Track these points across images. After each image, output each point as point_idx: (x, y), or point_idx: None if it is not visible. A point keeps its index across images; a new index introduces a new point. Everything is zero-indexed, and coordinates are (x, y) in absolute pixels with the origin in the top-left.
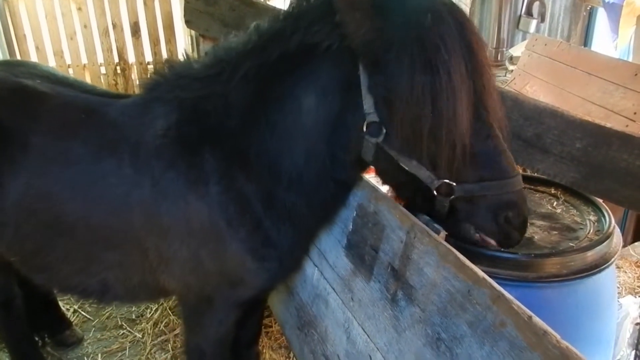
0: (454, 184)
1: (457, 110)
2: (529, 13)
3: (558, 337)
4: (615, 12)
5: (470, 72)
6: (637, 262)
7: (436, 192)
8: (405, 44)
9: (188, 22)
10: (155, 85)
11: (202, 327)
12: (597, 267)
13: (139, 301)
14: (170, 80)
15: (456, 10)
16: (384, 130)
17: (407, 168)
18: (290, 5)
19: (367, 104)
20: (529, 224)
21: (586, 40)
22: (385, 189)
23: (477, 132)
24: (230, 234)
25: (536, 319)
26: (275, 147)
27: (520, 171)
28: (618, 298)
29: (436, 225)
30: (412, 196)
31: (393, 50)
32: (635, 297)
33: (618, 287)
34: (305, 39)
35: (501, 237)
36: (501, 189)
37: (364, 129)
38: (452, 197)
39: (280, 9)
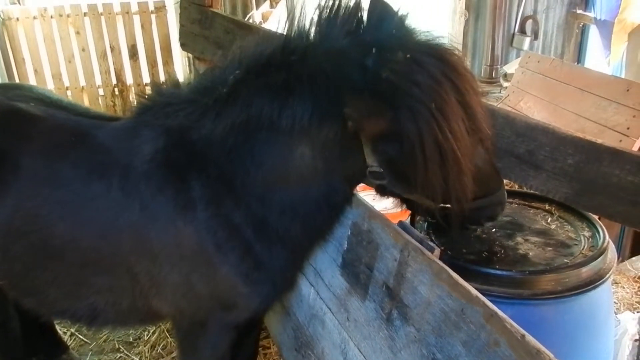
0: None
1: (462, 164)
2: (522, 31)
3: (551, 355)
4: (607, 29)
5: (466, 116)
6: (635, 277)
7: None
8: (413, 129)
9: (183, 45)
10: (144, 109)
11: (196, 350)
12: (592, 283)
13: (130, 325)
14: (158, 106)
15: (444, 61)
16: (386, 179)
17: (408, 198)
18: (280, 54)
19: (369, 157)
20: (523, 241)
21: (579, 57)
22: (379, 207)
23: (478, 161)
24: (220, 259)
25: (529, 338)
26: (262, 182)
27: (516, 187)
28: (616, 314)
29: (430, 243)
30: (411, 207)
31: (397, 125)
32: (634, 312)
33: (616, 303)
34: (297, 121)
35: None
36: (490, 202)
37: (367, 174)
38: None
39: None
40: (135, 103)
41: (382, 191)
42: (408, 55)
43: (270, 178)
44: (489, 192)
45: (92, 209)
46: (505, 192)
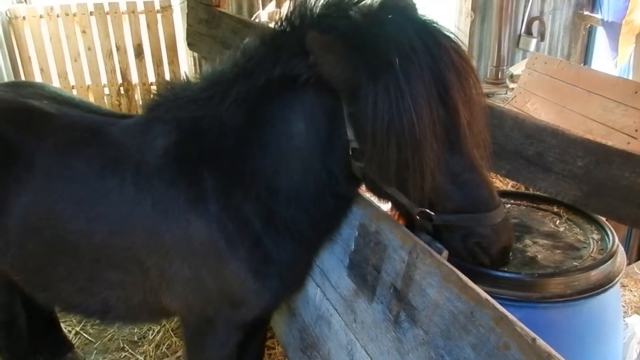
0: (432, 213)
1: (422, 152)
2: (529, 32)
3: None
4: (614, 31)
5: (444, 109)
6: None
7: (418, 216)
8: (372, 87)
9: (190, 45)
10: (156, 105)
11: (203, 348)
12: (601, 286)
13: (140, 322)
14: (169, 101)
15: (434, 44)
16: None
17: (388, 192)
18: (272, 31)
19: (349, 131)
20: (532, 243)
21: (586, 58)
22: (386, 207)
23: (453, 166)
24: (230, 253)
25: (540, 342)
26: (269, 166)
27: (524, 191)
28: (624, 317)
29: (438, 245)
30: (400, 212)
31: (361, 91)
32: None
33: (623, 306)
34: (286, 70)
35: (471, 259)
36: (478, 222)
37: (350, 153)
38: (433, 222)
39: (267, 27)
40: (144, 101)
41: (367, 182)
42: (390, 16)
43: (275, 161)
44: (475, 209)
45: (105, 205)
46: (502, 218)
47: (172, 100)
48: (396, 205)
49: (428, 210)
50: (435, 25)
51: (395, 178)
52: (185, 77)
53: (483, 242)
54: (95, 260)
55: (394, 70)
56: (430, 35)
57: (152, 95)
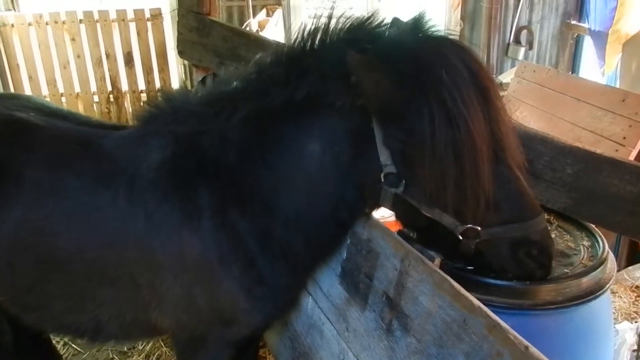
0: (479, 228)
1: (478, 161)
2: (517, 41)
3: None
4: (601, 40)
5: (487, 119)
6: (632, 286)
7: (461, 236)
8: (424, 100)
9: (181, 53)
10: (152, 117)
11: None
12: (592, 293)
13: (133, 339)
14: (166, 114)
15: (469, 57)
16: (403, 182)
17: (429, 215)
18: (293, 47)
19: (384, 156)
20: None
21: (574, 67)
22: (378, 215)
23: (499, 176)
24: (223, 271)
25: (533, 350)
26: (270, 186)
27: None
28: (614, 324)
29: (431, 252)
30: (434, 240)
31: (412, 107)
32: (632, 322)
33: (614, 313)
34: (312, 92)
35: (523, 273)
36: (526, 230)
37: (382, 180)
38: (478, 240)
39: (280, 44)
40: (138, 111)
41: (398, 210)
42: (419, 34)
43: (278, 182)
44: (522, 218)
45: (97, 219)
46: (544, 219)
47: (170, 113)
48: (433, 230)
49: (474, 227)
50: (459, 41)
51: (447, 195)
52: (181, 88)
53: (533, 250)
54: (87, 276)
55: (443, 83)
56: (463, 50)
57: (146, 107)
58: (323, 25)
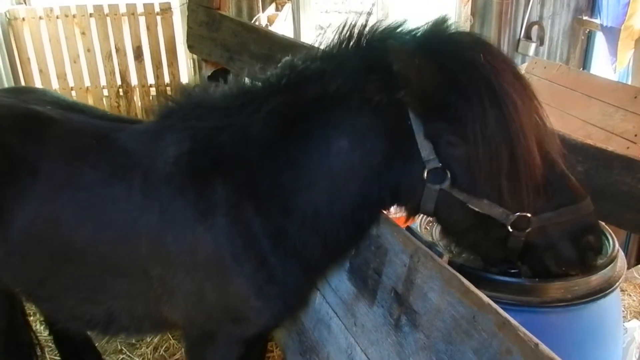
0: (530, 215)
1: (528, 141)
2: (528, 36)
3: None
4: (613, 36)
5: (527, 100)
6: None
7: (511, 227)
8: (470, 84)
9: (191, 47)
10: (170, 112)
11: None
12: (601, 291)
13: (144, 332)
14: (185, 109)
15: (497, 48)
16: (449, 175)
17: (477, 209)
18: (328, 46)
19: (425, 151)
20: None
21: (585, 63)
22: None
23: (544, 160)
24: (234, 269)
25: (543, 347)
26: (290, 184)
27: None
28: (623, 322)
29: (438, 249)
30: (479, 240)
31: (457, 92)
32: None
33: (623, 311)
34: (345, 86)
35: (581, 263)
36: (578, 212)
37: (424, 177)
38: (528, 230)
39: (313, 46)
40: (158, 105)
41: (442, 208)
42: (450, 30)
43: (298, 179)
44: (572, 200)
45: (112, 212)
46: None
47: (190, 108)
48: (478, 229)
49: (525, 214)
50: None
51: (501, 180)
52: (200, 84)
53: (592, 237)
54: (101, 269)
55: (484, 65)
56: (489, 43)
57: (164, 101)
58: (358, 28)
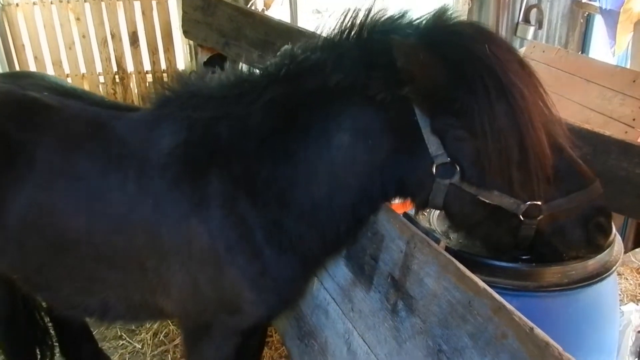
0: (540, 203)
1: (537, 129)
2: (527, 20)
3: (560, 349)
4: (612, 19)
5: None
6: (638, 268)
7: (523, 216)
8: (476, 76)
9: (186, 33)
10: (166, 101)
11: (200, 351)
12: (598, 275)
13: (140, 320)
14: (182, 98)
15: (500, 37)
16: (458, 169)
17: (488, 201)
18: (329, 36)
19: (433, 146)
20: None
21: (583, 46)
22: None
23: (552, 147)
24: (228, 261)
25: (538, 331)
26: (288, 176)
27: None
28: (620, 306)
29: (436, 234)
30: (490, 232)
31: (463, 85)
32: (637, 304)
33: (619, 295)
34: (347, 81)
35: (591, 244)
36: (588, 196)
37: (434, 172)
38: (539, 218)
39: (312, 33)
40: (151, 94)
41: (455, 203)
42: (451, 22)
43: (296, 172)
44: (582, 184)
45: (107, 203)
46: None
47: (186, 97)
48: (489, 220)
49: (536, 202)
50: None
51: (511, 170)
52: (197, 71)
53: (603, 218)
54: (95, 259)
55: (489, 56)
56: (491, 32)
57: (160, 89)
58: (359, 17)
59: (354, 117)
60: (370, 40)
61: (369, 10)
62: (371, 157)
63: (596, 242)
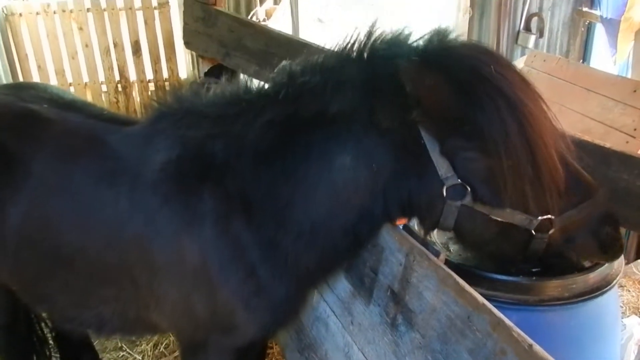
0: (552, 217)
1: (548, 145)
2: (528, 28)
3: None
4: (613, 28)
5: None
6: None
7: (535, 231)
8: (485, 97)
9: (187, 44)
10: (161, 116)
11: None
12: (599, 289)
13: (137, 334)
14: (176, 115)
15: (503, 57)
16: (469, 190)
17: (500, 219)
18: (329, 57)
19: (443, 169)
20: None
21: (585, 55)
22: None
23: (560, 161)
24: (221, 280)
25: (537, 348)
26: (286, 196)
27: None
28: (622, 318)
29: (435, 247)
30: (500, 248)
31: (473, 107)
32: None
33: (622, 307)
34: (350, 106)
35: (604, 252)
36: (597, 205)
37: (444, 194)
38: (551, 231)
39: (312, 44)
40: (147, 107)
41: (467, 224)
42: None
43: (294, 192)
44: (589, 194)
45: (100, 218)
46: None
47: (180, 115)
48: (501, 237)
49: (548, 217)
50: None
51: (525, 187)
52: (193, 86)
53: (613, 226)
54: (90, 274)
55: (496, 76)
56: (493, 52)
57: (156, 105)
58: (360, 39)
59: (356, 141)
60: (372, 65)
61: (370, 32)
62: (375, 180)
63: (610, 249)
